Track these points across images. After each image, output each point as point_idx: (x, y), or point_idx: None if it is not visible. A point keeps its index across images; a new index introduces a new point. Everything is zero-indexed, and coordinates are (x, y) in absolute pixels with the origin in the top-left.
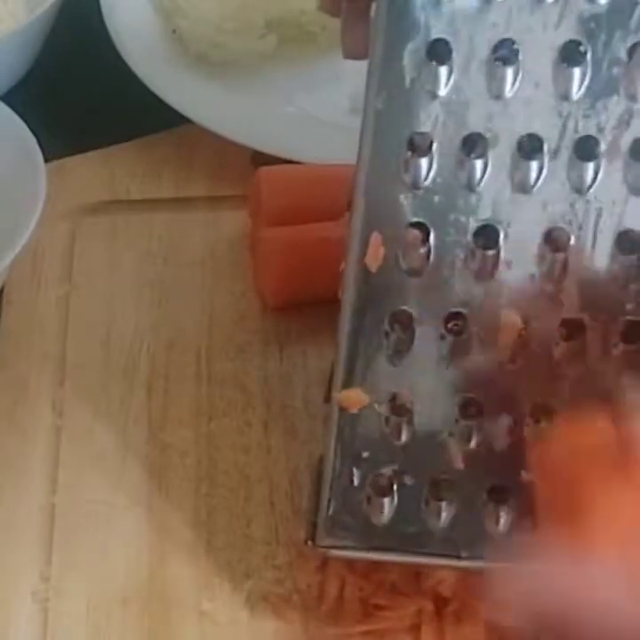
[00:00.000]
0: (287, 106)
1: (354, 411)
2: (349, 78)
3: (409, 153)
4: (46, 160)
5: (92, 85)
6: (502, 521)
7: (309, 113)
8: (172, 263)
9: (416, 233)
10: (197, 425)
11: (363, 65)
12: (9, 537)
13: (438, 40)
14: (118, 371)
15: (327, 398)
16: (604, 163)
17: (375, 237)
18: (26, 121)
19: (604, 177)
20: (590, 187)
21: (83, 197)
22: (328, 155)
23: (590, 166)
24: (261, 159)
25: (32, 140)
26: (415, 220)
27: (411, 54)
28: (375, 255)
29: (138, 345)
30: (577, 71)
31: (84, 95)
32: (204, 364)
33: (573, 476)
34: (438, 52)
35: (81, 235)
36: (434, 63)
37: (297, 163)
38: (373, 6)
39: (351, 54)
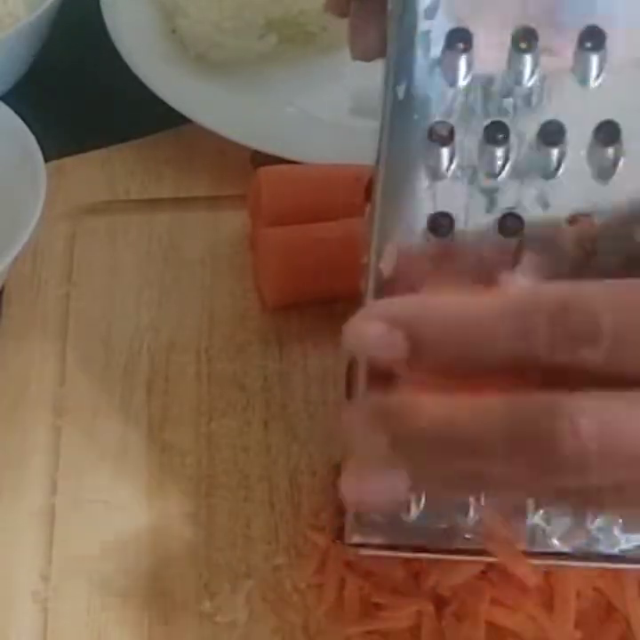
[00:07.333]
0: (287, 106)
1: None
2: (349, 78)
3: (430, 142)
4: (46, 160)
5: (91, 85)
6: (530, 514)
7: (309, 113)
8: (172, 263)
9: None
10: (197, 425)
11: (363, 65)
12: (9, 537)
13: (458, 29)
14: (118, 370)
15: (348, 394)
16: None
17: (391, 244)
18: (26, 121)
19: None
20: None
21: (83, 197)
22: (328, 155)
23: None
24: (261, 159)
25: (32, 140)
26: (438, 210)
27: (430, 44)
28: (388, 261)
29: (138, 345)
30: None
31: (83, 95)
32: (204, 363)
33: None
34: (458, 40)
35: (81, 235)
36: (454, 51)
37: (297, 163)
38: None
39: (361, 56)
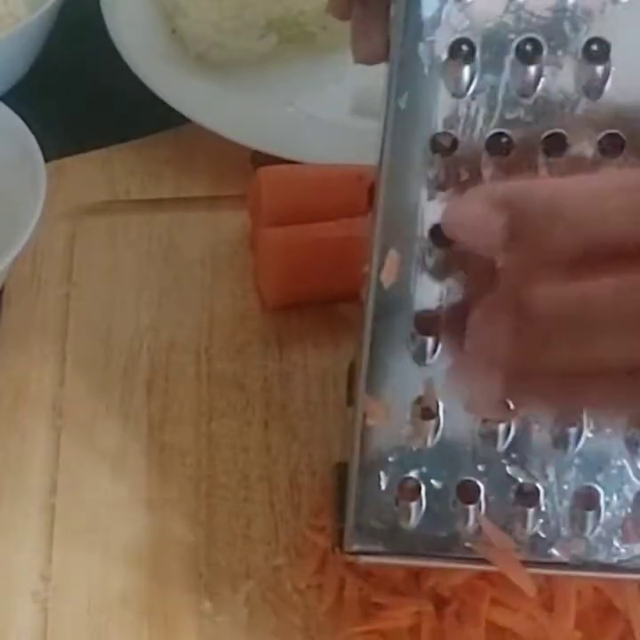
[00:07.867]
0: (287, 106)
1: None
2: (350, 78)
3: (432, 153)
4: (46, 160)
5: (91, 85)
6: (529, 523)
7: (309, 113)
8: (172, 263)
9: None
10: (197, 425)
11: (364, 66)
12: (9, 537)
13: (461, 39)
14: (118, 371)
15: (349, 401)
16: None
17: (392, 256)
18: (26, 121)
19: None
20: None
21: (83, 197)
22: (328, 155)
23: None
24: (261, 159)
25: (32, 140)
26: (439, 221)
27: (433, 54)
28: (390, 272)
29: (138, 345)
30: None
31: (83, 95)
32: (204, 364)
33: None
34: (461, 50)
35: (81, 235)
36: (457, 62)
37: (297, 163)
38: (392, 7)
39: (364, 59)
